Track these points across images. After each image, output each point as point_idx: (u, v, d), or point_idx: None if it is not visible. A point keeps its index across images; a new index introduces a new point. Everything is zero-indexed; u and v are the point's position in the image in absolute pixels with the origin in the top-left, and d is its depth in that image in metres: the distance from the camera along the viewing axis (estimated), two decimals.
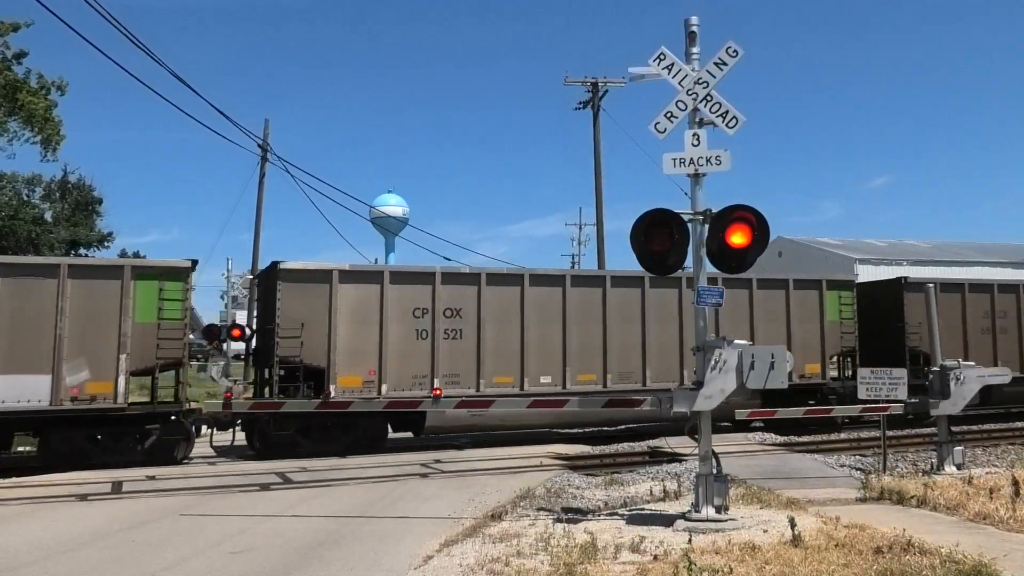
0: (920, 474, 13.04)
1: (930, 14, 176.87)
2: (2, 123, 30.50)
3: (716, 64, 9.79)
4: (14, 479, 14.31)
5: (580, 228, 66.99)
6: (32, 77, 31.30)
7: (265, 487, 13.48)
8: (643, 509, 10.57)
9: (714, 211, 9.55)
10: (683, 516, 9.36)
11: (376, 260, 45.23)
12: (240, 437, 18.54)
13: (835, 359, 23.10)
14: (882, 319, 23.17)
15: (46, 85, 31.52)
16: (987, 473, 13.04)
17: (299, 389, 17.21)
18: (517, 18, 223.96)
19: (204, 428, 18.29)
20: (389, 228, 59.44)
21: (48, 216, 42.76)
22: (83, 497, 12.62)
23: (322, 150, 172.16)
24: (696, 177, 9.76)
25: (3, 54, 30.64)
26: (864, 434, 19.97)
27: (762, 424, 21.48)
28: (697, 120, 9.84)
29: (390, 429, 18.91)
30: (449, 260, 35.55)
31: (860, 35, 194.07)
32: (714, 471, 9.31)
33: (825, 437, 20.16)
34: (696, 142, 9.72)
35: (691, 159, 9.69)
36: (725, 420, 20.18)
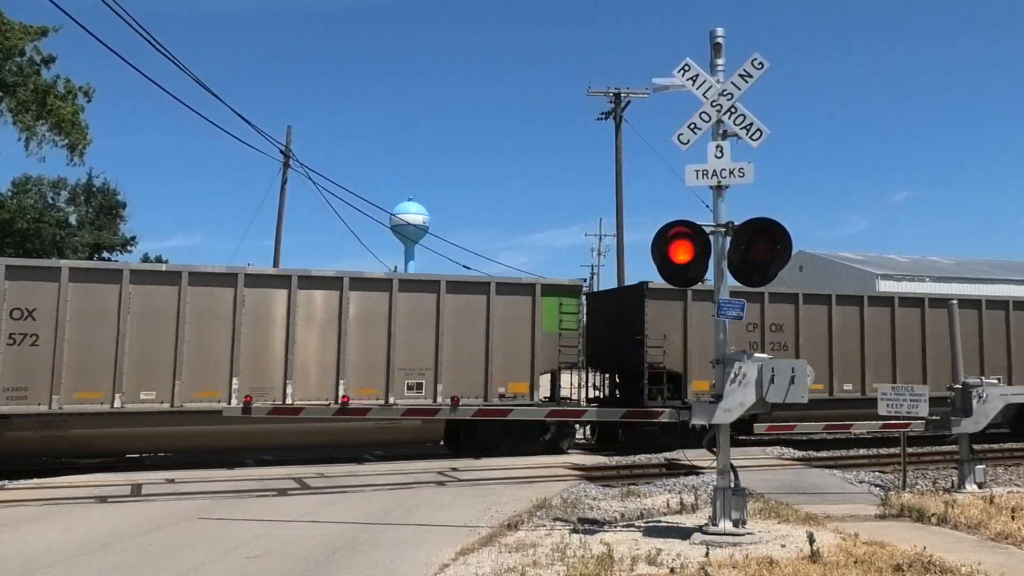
0: (940, 492, 12.91)
1: (956, 26, 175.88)
2: (31, 128, 30.91)
3: (741, 76, 9.78)
4: (35, 480, 14.43)
5: (600, 239, 67.07)
6: (60, 83, 31.74)
7: (283, 492, 13.53)
8: (660, 521, 10.52)
9: (736, 224, 9.53)
10: (700, 529, 9.31)
11: (396, 268, 45.33)
12: None
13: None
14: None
15: (73, 90, 31.94)
16: (1009, 492, 12.90)
17: None
18: (540, 28, 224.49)
19: None
20: (409, 236, 59.55)
21: (72, 220, 43.27)
22: (103, 499, 12.71)
23: (343, 157, 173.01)
24: (719, 189, 9.74)
25: (33, 59, 31.08)
26: (884, 450, 19.81)
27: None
28: (721, 132, 9.83)
29: None
30: (469, 269, 35.64)
31: (886, 46, 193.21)
32: (732, 484, 9.26)
33: (844, 452, 20.00)
34: (719, 154, 9.70)
35: (714, 171, 9.67)
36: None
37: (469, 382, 18.15)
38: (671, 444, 19.33)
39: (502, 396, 18.23)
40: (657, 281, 19.88)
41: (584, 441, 21.64)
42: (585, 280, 20.53)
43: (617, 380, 22.12)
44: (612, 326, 21.32)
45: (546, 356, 18.87)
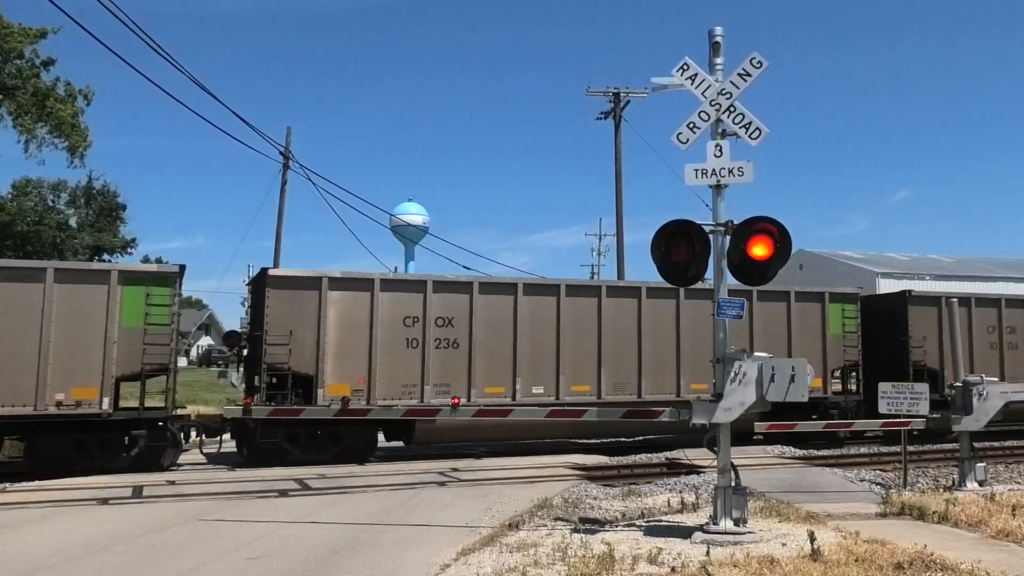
0: (941, 490, 12.93)
1: (956, 26, 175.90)
2: (31, 130, 30.96)
3: (740, 75, 9.78)
4: (37, 482, 14.44)
5: (599, 238, 67.15)
6: (60, 85, 31.81)
7: (284, 493, 13.53)
8: (661, 520, 10.53)
9: (736, 223, 9.53)
10: (701, 528, 9.31)
11: (396, 268, 45.36)
12: None
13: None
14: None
15: (73, 93, 32.01)
16: (1009, 490, 12.91)
17: None
18: (540, 28, 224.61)
19: None
20: (409, 236, 59.61)
21: (72, 222, 43.32)
22: (104, 501, 12.71)
23: (343, 157, 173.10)
24: (718, 188, 9.74)
25: (32, 61, 31.14)
26: (884, 449, 19.82)
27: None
28: (720, 131, 9.82)
29: None
30: (469, 269, 35.66)
31: (886, 46, 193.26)
32: (733, 483, 9.26)
33: (844, 451, 20.01)
34: (718, 153, 9.70)
35: (713, 170, 9.67)
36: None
37: (13, 386, 15.38)
38: (303, 459, 17.19)
39: (60, 404, 15.54)
40: (280, 269, 18.32)
41: (208, 454, 17.41)
42: (181, 267, 17.07)
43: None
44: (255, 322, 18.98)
45: (127, 356, 16.24)
